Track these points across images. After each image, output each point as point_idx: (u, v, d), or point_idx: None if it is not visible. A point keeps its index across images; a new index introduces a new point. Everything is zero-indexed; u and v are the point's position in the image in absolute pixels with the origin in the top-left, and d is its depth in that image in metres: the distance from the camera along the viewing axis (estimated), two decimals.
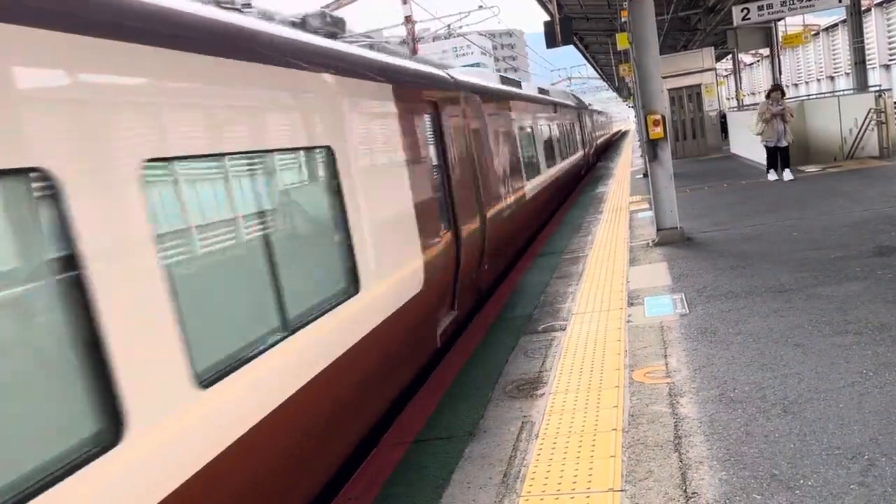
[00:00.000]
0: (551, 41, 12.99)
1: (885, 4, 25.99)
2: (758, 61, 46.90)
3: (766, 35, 26.64)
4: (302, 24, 5.47)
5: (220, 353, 3.02)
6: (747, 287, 6.65)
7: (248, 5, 4.64)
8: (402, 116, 5.66)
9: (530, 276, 9.06)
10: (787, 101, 14.44)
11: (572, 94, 28.92)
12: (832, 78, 32.97)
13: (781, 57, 29.46)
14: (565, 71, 70.28)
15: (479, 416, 4.74)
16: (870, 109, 14.71)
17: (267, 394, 3.29)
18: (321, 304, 3.95)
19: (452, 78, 8.08)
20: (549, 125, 15.95)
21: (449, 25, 27.18)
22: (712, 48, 24.87)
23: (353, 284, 4.34)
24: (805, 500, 3.12)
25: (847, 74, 26.39)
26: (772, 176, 14.03)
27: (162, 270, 2.66)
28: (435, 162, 6.61)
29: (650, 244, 9.50)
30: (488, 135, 9.11)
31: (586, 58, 37.46)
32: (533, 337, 6.30)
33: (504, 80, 12.93)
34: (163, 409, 2.59)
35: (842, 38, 28.99)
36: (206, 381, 2.83)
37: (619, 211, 13.62)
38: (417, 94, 6.31)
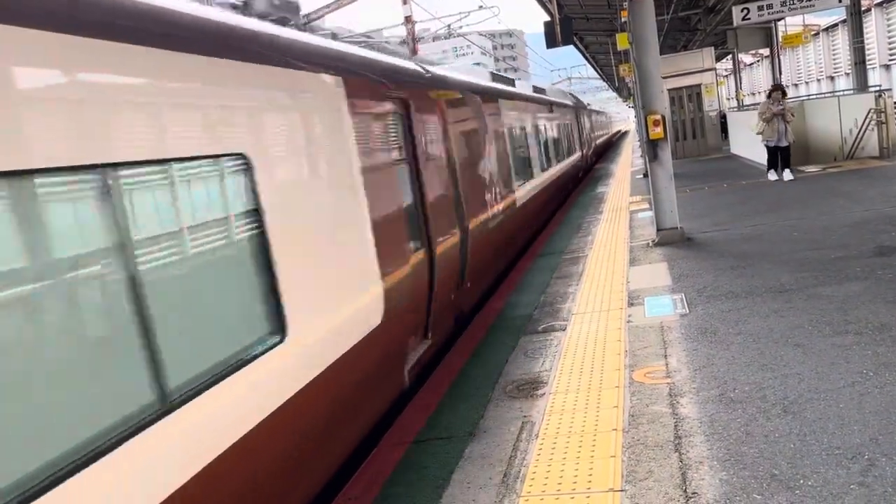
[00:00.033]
0: (551, 41, 12.98)
1: (885, 4, 25.99)
2: (758, 61, 46.90)
3: (766, 35, 26.66)
4: (245, 6, 4.86)
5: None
6: (747, 287, 6.65)
7: None
8: (357, 116, 4.72)
9: (530, 277, 9.06)
10: (787, 101, 14.44)
11: (570, 94, 28.46)
12: (832, 78, 32.97)
13: (781, 57, 29.48)
14: (565, 71, 70.32)
15: (479, 416, 4.74)
16: (870, 109, 14.72)
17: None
18: (222, 364, 3.01)
19: (428, 72, 7.22)
20: (543, 126, 15.07)
21: (449, 26, 27.21)
22: (712, 48, 24.88)
23: (274, 330, 3.41)
24: (805, 500, 3.12)
25: (847, 74, 26.39)
26: (772, 176, 14.04)
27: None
28: (403, 169, 5.67)
29: (650, 244, 9.50)
30: (472, 137, 8.26)
31: (586, 58, 37.46)
32: (533, 337, 6.30)
33: (495, 78, 12.35)
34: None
35: (842, 39, 28.98)
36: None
37: (620, 211, 13.62)
38: (380, 89, 5.36)
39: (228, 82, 3.36)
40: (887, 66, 26.12)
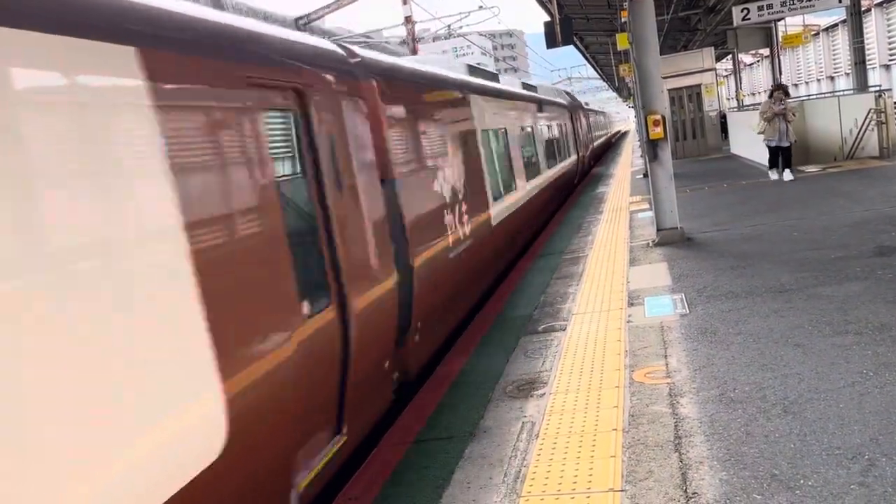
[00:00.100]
0: (551, 41, 12.99)
1: (885, 4, 26.02)
2: (758, 61, 46.93)
3: (766, 35, 26.69)
4: None
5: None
6: (747, 287, 6.65)
7: None
8: (174, 111, 2.89)
9: (530, 277, 9.06)
10: (788, 101, 14.44)
11: (565, 92, 27.42)
12: (832, 78, 33.00)
13: (781, 57, 29.51)
14: (565, 71, 70.39)
15: (480, 416, 4.74)
16: (870, 109, 14.73)
17: None
18: None
19: (352, 56, 5.30)
20: (531, 128, 13.33)
21: (449, 26, 27.21)
22: (712, 48, 24.89)
23: None
24: (805, 500, 3.12)
25: (847, 75, 26.40)
26: (773, 175, 14.04)
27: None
28: (293, 188, 3.94)
29: (650, 244, 9.50)
30: (427, 142, 6.52)
31: (586, 58, 37.47)
32: (533, 337, 6.30)
33: (473, 71, 10.67)
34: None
35: (842, 39, 29.00)
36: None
37: (620, 211, 13.62)
38: (234, 72, 3.44)
39: None
40: (887, 66, 26.14)
